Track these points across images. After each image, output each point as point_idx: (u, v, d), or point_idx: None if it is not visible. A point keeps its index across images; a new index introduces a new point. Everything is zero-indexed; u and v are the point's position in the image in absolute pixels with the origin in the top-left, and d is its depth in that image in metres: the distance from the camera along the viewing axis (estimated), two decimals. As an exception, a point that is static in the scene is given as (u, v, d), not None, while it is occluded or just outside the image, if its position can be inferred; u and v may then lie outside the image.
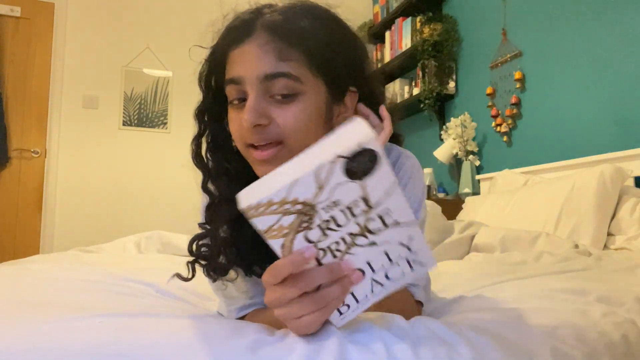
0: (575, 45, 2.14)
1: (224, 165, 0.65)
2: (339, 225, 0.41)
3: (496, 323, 0.56)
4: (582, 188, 1.68)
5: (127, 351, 0.43)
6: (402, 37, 3.27)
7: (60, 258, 1.20)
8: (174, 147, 3.45)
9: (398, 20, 3.32)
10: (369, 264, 0.45)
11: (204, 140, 0.67)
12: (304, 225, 0.40)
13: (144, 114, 3.48)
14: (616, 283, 0.87)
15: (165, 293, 0.82)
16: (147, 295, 0.78)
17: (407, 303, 0.65)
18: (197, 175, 0.67)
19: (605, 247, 1.58)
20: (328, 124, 0.62)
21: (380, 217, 0.42)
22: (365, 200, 0.40)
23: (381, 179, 0.39)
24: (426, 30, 2.94)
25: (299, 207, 0.39)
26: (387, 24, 3.48)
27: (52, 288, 0.74)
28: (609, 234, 1.62)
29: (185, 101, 3.49)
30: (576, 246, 1.40)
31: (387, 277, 0.47)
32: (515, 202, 1.94)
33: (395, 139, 0.73)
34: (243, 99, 0.59)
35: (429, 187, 2.87)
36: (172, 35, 3.51)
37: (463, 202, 2.45)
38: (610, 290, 0.76)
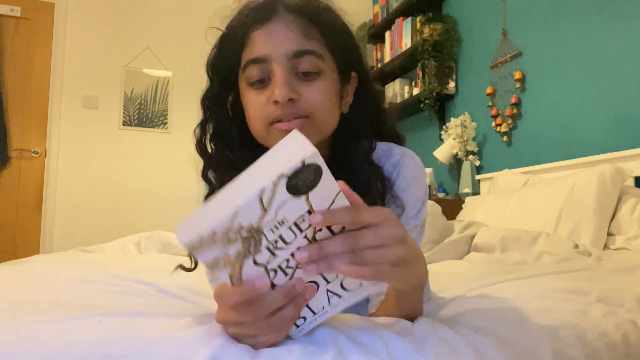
0: (575, 45, 2.14)
1: (226, 154, 0.66)
2: (286, 243, 0.40)
3: (497, 323, 0.56)
4: (582, 188, 1.68)
5: (126, 350, 0.43)
6: (402, 37, 3.27)
7: (60, 258, 1.19)
8: (174, 147, 3.45)
9: (398, 20, 3.32)
10: (321, 274, 0.44)
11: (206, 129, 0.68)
12: (251, 249, 0.39)
13: (144, 114, 3.48)
14: (616, 283, 0.87)
15: (165, 292, 0.82)
16: (147, 295, 0.78)
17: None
18: (197, 175, 0.67)
19: (605, 247, 1.58)
20: (339, 105, 0.65)
21: (327, 225, 0.40)
22: (311, 213, 0.39)
23: (325, 189, 0.38)
24: (426, 30, 2.94)
25: (244, 233, 0.37)
26: (387, 24, 3.48)
27: (52, 288, 0.74)
28: (609, 234, 1.62)
29: (185, 101, 3.49)
30: (576, 246, 1.40)
31: (343, 287, 0.46)
32: (515, 202, 1.94)
33: (396, 139, 0.74)
34: (262, 80, 0.60)
35: (429, 187, 2.87)
36: (172, 35, 3.50)
37: (463, 202, 2.45)
38: (610, 290, 0.76)
